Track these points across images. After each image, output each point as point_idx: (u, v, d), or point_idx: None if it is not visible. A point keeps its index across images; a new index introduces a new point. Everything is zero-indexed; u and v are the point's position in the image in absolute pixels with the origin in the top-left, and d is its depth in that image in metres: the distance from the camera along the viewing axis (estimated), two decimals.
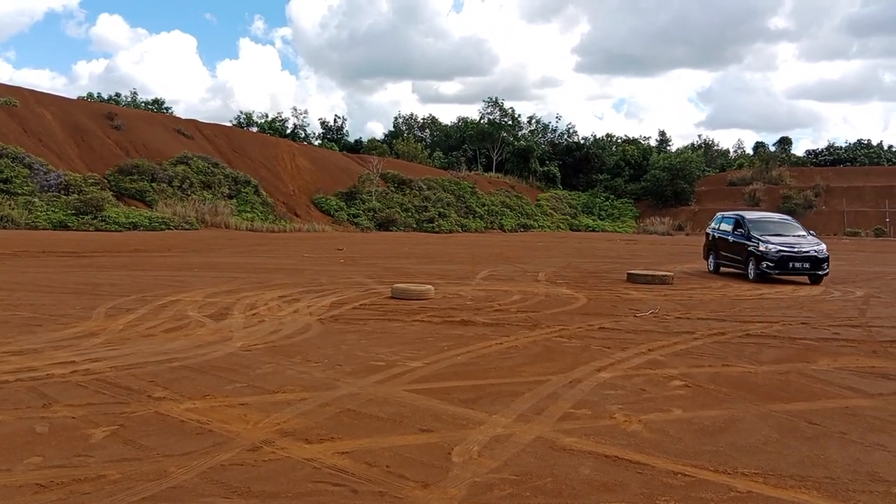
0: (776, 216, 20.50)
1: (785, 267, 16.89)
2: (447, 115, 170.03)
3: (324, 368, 6.80)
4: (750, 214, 19.86)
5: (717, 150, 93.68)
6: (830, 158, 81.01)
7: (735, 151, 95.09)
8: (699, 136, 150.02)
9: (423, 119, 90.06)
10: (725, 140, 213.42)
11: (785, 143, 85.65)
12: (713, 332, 9.50)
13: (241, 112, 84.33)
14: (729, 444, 4.82)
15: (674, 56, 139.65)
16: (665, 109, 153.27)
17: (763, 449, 4.75)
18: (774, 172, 69.32)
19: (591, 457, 4.50)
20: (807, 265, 16.88)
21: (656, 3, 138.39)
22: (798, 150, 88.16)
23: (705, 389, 6.33)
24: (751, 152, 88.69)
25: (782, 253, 16.94)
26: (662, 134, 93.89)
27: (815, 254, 16.93)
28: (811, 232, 18.88)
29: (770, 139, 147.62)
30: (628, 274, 16.93)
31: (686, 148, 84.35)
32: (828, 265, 17.06)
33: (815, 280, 16.99)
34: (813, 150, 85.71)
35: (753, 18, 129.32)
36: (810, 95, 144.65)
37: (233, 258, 21.26)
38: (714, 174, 76.46)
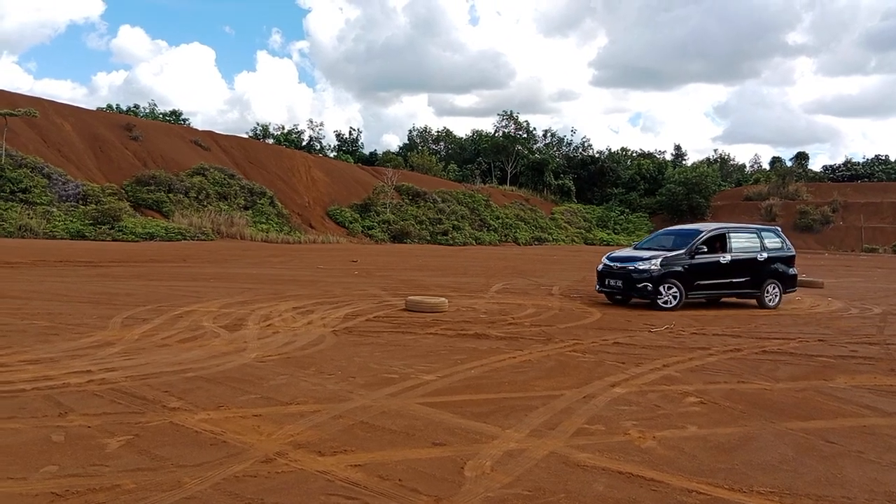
0: (714, 227, 15.03)
1: (603, 284, 14.46)
2: (462, 128, 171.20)
3: (337, 380, 6.81)
4: (693, 226, 15.75)
5: (733, 165, 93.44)
6: (848, 174, 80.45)
7: (751, 166, 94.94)
8: (715, 150, 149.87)
9: (438, 132, 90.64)
10: (742, 155, 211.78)
11: (802, 158, 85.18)
12: (729, 348, 9.43)
13: (258, 124, 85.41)
14: (744, 462, 4.78)
15: (691, 70, 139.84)
16: (681, 123, 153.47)
17: (779, 467, 4.70)
18: (791, 187, 69.09)
19: (605, 473, 4.47)
20: (619, 283, 13.97)
21: (673, 18, 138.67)
22: (815, 165, 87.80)
23: (720, 406, 6.27)
24: (767, 167, 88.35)
25: (605, 268, 14.47)
26: (678, 148, 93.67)
27: (632, 271, 13.68)
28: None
29: (787, 154, 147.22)
30: None
31: (702, 162, 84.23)
32: (651, 288, 13.46)
33: (649, 302, 13.67)
34: (830, 166, 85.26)
35: (771, 33, 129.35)
36: (828, 110, 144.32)
37: (248, 269, 21.39)
38: (730, 189, 76.25)
